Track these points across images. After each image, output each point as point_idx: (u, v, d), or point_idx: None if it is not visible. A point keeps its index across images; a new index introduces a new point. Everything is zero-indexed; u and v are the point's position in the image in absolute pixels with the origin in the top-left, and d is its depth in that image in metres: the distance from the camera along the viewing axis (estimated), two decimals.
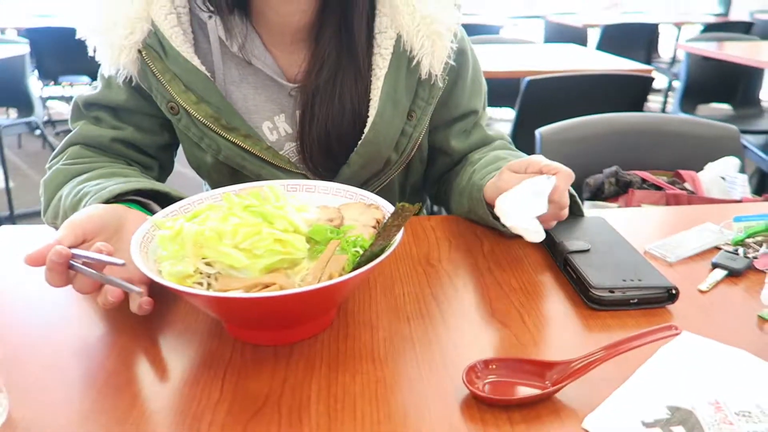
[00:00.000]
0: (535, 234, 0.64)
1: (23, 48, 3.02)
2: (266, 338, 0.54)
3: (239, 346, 0.54)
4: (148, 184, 0.69)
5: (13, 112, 3.59)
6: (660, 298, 0.60)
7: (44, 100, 4.07)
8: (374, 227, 0.59)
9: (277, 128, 0.82)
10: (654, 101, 5.01)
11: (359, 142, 0.80)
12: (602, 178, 1.16)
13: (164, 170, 0.89)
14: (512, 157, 0.81)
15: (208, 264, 0.50)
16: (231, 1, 0.74)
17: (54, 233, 0.55)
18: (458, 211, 0.85)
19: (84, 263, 0.53)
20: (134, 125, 0.81)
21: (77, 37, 0.74)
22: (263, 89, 0.80)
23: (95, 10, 0.73)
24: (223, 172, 0.81)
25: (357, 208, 0.62)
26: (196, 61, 0.75)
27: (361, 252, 0.52)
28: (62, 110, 5.12)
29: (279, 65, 0.80)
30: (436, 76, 0.80)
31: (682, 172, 1.19)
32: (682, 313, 0.59)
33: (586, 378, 0.48)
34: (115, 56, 0.74)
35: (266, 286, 0.48)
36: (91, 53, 0.75)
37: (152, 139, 0.83)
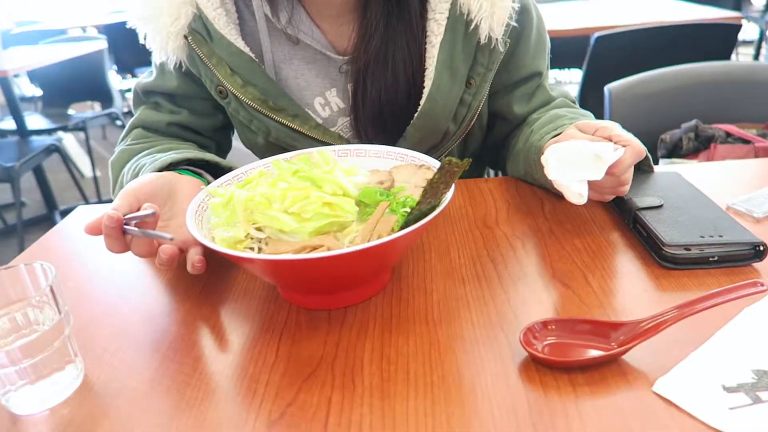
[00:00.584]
0: (577, 195, 0.57)
1: (101, 44, 3.20)
2: (319, 302, 0.53)
3: (294, 310, 0.54)
4: (199, 154, 0.71)
5: (96, 106, 3.83)
6: (745, 255, 0.54)
7: (123, 92, 4.30)
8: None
9: (329, 103, 0.81)
10: (744, 54, 4.59)
11: (415, 114, 0.76)
12: (680, 134, 1.07)
13: (222, 149, 0.90)
14: (573, 114, 0.76)
15: (258, 229, 0.51)
16: None
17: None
18: (514, 173, 0.81)
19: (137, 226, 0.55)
20: (189, 109, 0.83)
21: (128, 26, 0.76)
22: (313, 64, 0.79)
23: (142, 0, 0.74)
24: (276, 152, 0.81)
25: (408, 170, 0.61)
26: (240, 43, 0.75)
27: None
28: None
29: (327, 39, 0.78)
30: (497, 39, 0.74)
31: None
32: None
33: (657, 339, 0.44)
34: (164, 43, 0.75)
35: (314, 248, 0.48)
36: (141, 41, 0.77)
37: (207, 121, 0.85)
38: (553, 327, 0.45)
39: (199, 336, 0.53)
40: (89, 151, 3.19)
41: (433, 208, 0.48)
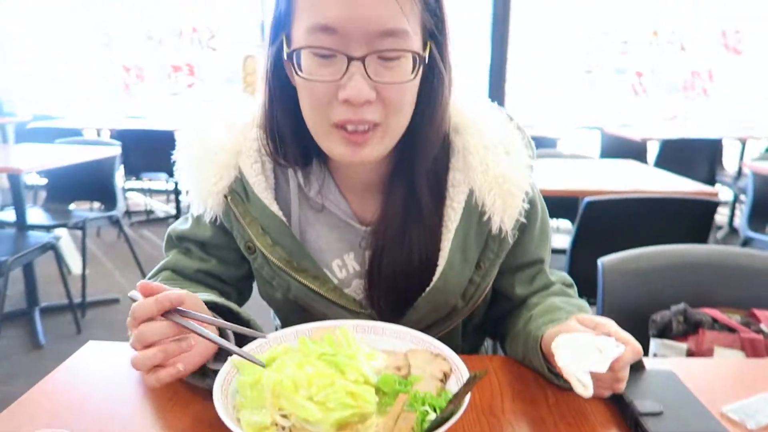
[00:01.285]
0: (584, 388, 0.61)
1: (115, 150, 3.34)
2: None
3: None
4: (224, 300, 0.76)
5: (96, 205, 3.91)
6: None
7: (124, 191, 4.41)
8: (441, 380, 0.60)
9: (345, 266, 0.86)
10: (721, 214, 4.87)
11: (427, 289, 0.81)
12: (669, 315, 1.13)
13: (242, 297, 0.95)
14: (570, 306, 0.81)
15: (284, 416, 0.53)
16: (301, 156, 0.81)
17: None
18: (513, 354, 0.84)
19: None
20: (218, 258, 0.88)
21: (180, 188, 0.84)
22: (336, 229, 0.85)
23: (190, 157, 0.82)
24: (292, 309, 0.85)
25: (423, 356, 0.64)
26: (274, 207, 0.82)
27: (429, 411, 0.53)
28: (139, 201, 5.52)
29: (352, 209, 0.85)
30: (506, 231, 0.81)
31: (757, 312, 1.15)
32: None
33: None
34: (204, 199, 0.82)
35: None
36: (183, 196, 0.83)
37: (233, 271, 0.90)
38: None
39: None
40: (83, 249, 3.20)
41: (453, 414, 0.51)
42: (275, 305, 0.89)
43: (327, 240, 0.85)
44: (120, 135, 4.30)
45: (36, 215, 3.27)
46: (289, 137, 0.79)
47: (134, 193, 5.68)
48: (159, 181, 5.65)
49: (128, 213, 5.01)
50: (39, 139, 3.76)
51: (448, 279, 0.81)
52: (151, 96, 6.21)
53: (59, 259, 2.98)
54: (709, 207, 2.03)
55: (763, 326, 1.12)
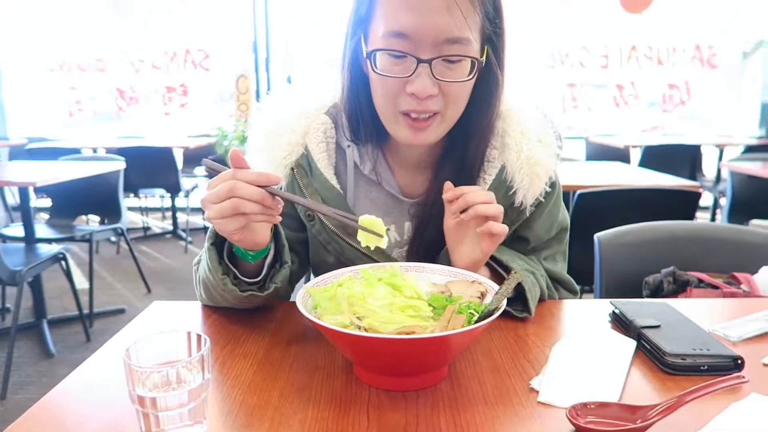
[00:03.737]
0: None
1: (120, 164, 3.44)
2: (396, 384, 0.66)
3: (374, 390, 0.66)
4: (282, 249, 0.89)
5: (93, 219, 3.97)
6: (727, 366, 0.69)
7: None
8: (479, 298, 0.72)
9: (388, 236, 0.97)
10: (701, 218, 5.07)
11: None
12: (660, 277, 1.27)
13: (302, 266, 1.05)
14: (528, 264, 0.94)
15: (358, 318, 0.65)
16: (369, 136, 0.94)
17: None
18: None
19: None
20: (283, 224, 0.99)
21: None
22: (382, 204, 0.98)
23: (264, 135, 0.95)
24: None
25: (462, 284, 0.77)
26: (334, 181, 0.95)
27: (476, 313, 0.66)
28: (135, 219, 5.60)
29: (399, 186, 0.98)
30: (526, 206, 0.94)
31: (737, 274, 1.29)
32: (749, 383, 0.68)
33: (668, 422, 0.57)
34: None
35: (408, 333, 0.61)
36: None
37: (296, 235, 1.01)
38: (592, 407, 0.59)
39: (303, 404, 0.64)
40: (90, 261, 3.27)
41: (495, 310, 0.64)
42: (325, 269, 0.99)
43: (374, 213, 0.97)
44: (118, 153, 4.39)
45: (41, 231, 3.34)
46: (365, 118, 0.91)
47: (130, 212, 5.76)
48: (154, 198, 5.75)
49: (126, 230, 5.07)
50: (44, 158, 3.84)
51: None
52: (145, 116, 6.32)
53: (68, 270, 3.05)
54: (692, 197, 2.19)
55: (743, 286, 1.26)
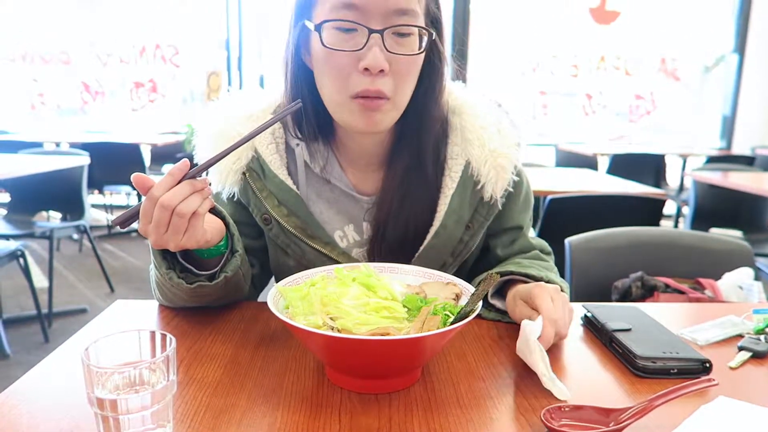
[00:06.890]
0: (559, 391, 0.64)
1: (84, 159, 3.33)
2: (369, 387, 0.64)
3: (346, 393, 0.65)
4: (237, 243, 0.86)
5: (55, 216, 3.83)
6: (696, 369, 0.70)
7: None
8: (454, 299, 0.72)
9: (346, 236, 0.96)
10: (665, 225, 5.20)
11: (421, 247, 0.93)
12: (629, 282, 1.29)
13: (264, 271, 1.02)
14: (539, 267, 0.93)
15: (332, 318, 0.63)
16: (316, 131, 0.92)
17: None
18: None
19: None
20: (240, 233, 0.96)
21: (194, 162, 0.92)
22: (336, 203, 0.95)
23: (210, 141, 0.91)
24: None
25: (436, 286, 0.76)
26: (289, 182, 0.93)
27: (451, 315, 0.65)
28: (99, 217, 5.43)
29: (352, 184, 0.96)
30: (496, 198, 0.94)
31: (701, 280, 1.32)
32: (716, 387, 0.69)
33: (640, 425, 0.57)
34: (224, 177, 0.92)
35: (382, 334, 0.60)
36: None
37: (253, 243, 0.98)
38: (567, 409, 0.58)
39: (274, 412, 0.62)
40: (50, 259, 3.16)
41: (470, 311, 0.63)
42: (286, 274, 0.97)
43: (329, 213, 0.96)
44: (83, 147, 4.25)
45: None
46: (308, 113, 0.90)
47: (94, 209, 5.59)
48: (120, 195, 5.60)
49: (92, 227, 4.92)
50: (2, 152, 3.70)
51: (441, 238, 0.93)
52: (112, 111, 6.16)
53: (27, 268, 2.93)
54: (657, 204, 2.24)
55: (707, 291, 1.29)
